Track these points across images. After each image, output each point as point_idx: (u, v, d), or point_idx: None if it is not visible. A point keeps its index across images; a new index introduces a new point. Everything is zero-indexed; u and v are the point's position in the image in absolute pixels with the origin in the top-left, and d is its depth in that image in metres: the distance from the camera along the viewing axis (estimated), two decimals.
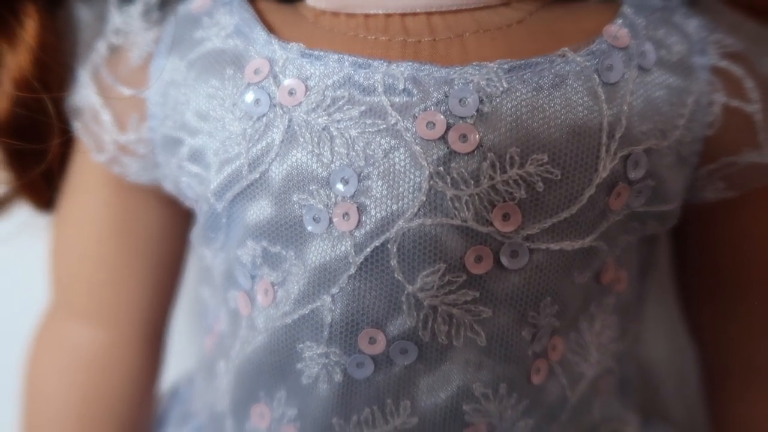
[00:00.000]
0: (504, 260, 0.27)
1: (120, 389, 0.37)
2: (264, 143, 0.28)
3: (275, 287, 0.29)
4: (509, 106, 0.26)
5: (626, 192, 0.28)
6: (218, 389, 0.32)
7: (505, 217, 0.26)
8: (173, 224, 0.36)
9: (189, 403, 0.37)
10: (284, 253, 0.28)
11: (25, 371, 0.38)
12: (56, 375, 0.37)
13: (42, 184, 0.35)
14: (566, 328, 0.29)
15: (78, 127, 0.33)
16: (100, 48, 0.32)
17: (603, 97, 0.27)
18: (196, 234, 0.32)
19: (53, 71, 0.32)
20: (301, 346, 0.29)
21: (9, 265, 0.41)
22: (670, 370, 0.44)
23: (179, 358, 0.41)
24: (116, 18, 0.32)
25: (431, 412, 0.28)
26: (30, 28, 0.31)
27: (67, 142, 0.34)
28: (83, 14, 0.34)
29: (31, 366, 0.38)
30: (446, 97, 0.27)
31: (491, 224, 0.26)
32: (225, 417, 0.32)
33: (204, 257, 0.33)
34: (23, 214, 0.40)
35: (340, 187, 0.27)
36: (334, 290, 0.28)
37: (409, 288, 0.27)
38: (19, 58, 0.31)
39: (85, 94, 0.32)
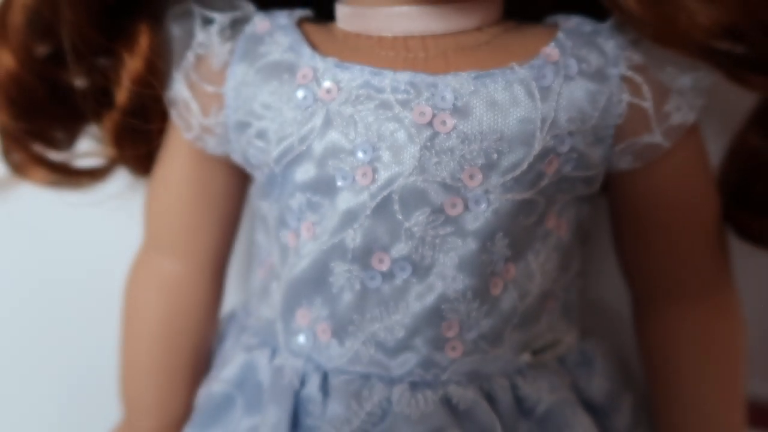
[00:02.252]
0: (470, 206, 0.36)
1: (195, 308, 0.45)
2: (309, 126, 0.37)
3: (315, 225, 0.38)
4: (475, 102, 0.35)
5: (556, 161, 0.37)
6: (271, 303, 0.42)
7: (471, 176, 0.36)
8: (236, 185, 0.44)
9: (244, 321, 0.46)
10: (322, 201, 0.37)
11: (124, 294, 0.47)
12: (147, 295, 0.45)
13: (145, 155, 0.44)
14: (516, 258, 0.38)
15: (173, 113, 0.41)
16: (189, 57, 0.40)
17: (538, 97, 0.36)
18: (257, 190, 0.42)
19: (158, 72, 0.40)
20: (332, 264, 0.37)
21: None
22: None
23: (230, 297, 0.50)
24: (200, 35, 0.40)
25: (420, 310, 0.37)
26: (143, 41, 0.40)
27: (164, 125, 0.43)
28: (176, 31, 0.41)
29: (128, 289, 0.47)
30: (432, 95, 0.35)
31: (461, 181, 0.36)
32: (276, 321, 0.41)
33: (260, 208, 0.42)
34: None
35: (360, 155, 0.36)
36: (356, 225, 0.37)
37: (406, 224, 0.36)
38: (135, 63, 0.40)
39: (179, 89, 0.40)
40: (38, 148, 0.47)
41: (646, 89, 0.37)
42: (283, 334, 0.41)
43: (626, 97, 0.37)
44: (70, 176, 0.47)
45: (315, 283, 0.39)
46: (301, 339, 0.40)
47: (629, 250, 0.44)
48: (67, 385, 0.60)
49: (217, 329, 0.48)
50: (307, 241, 0.39)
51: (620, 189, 0.42)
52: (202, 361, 0.47)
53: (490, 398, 0.40)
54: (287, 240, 0.40)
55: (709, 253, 0.43)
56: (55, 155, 0.47)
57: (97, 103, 0.44)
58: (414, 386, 0.39)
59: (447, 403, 0.39)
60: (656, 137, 0.38)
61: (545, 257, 0.40)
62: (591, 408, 0.44)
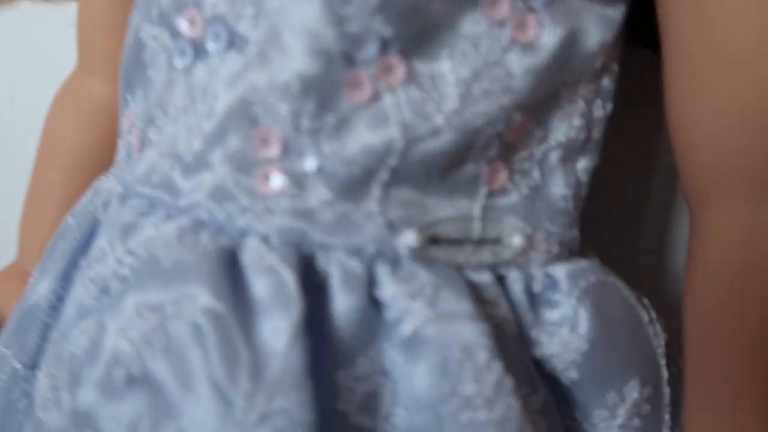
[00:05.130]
0: None
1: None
2: None
3: None
4: None
5: None
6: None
7: None
8: None
9: None
10: None
11: (46, 117, 0.42)
12: (69, 119, 0.41)
13: None
14: (410, 45, 0.24)
15: None
16: None
17: None
18: None
19: None
20: (142, 32, 0.29)
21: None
22: None
23: None
24: None
25: (226, 105, 0.25)
26: None
27: None
28: None
29: (50, 111, 0.42)
30: None
31: None
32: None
33: None
34: None
35: None
36: None
37: None
38: None
39: None
40: None
41: None
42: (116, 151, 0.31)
43: None
44: None
45: (134, 64, 0.30)
46: (122, 152, 0.30)
47: (686, 126, 0.28)
48: None
49: None
50: (133, 12, 0.30)
51: (673, 30, 0.28)
52: None
53: (318, 281, 0.24)
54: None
55: None
56: None
57: None
58: (198, 226, 0.25)
59: (230, 258, 0.24)
60: None
61: (479, 61, 0.24)
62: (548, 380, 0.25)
